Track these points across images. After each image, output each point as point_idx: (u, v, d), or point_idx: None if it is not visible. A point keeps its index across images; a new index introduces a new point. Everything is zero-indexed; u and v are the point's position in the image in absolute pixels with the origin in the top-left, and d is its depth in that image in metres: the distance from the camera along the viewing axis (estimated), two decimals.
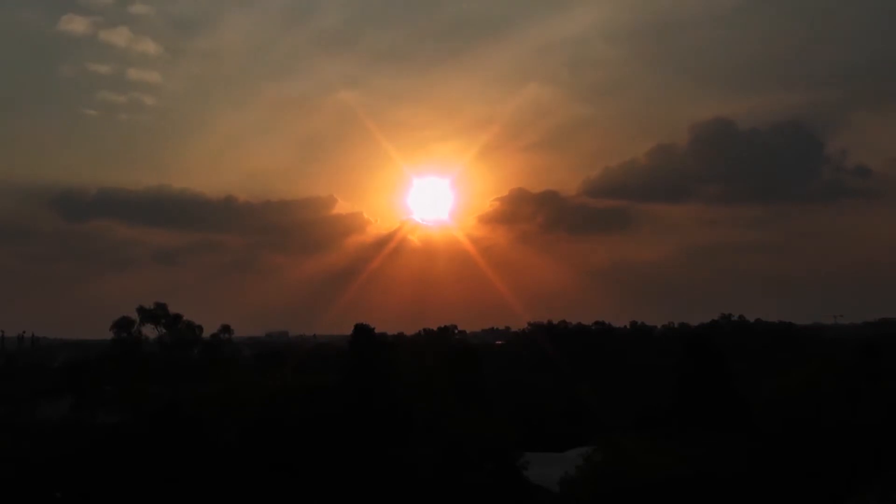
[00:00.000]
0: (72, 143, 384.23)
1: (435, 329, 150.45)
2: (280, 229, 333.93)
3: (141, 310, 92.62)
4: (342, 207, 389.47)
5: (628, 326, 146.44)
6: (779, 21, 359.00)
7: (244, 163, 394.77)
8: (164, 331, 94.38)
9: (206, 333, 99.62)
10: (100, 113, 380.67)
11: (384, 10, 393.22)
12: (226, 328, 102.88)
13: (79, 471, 42.50)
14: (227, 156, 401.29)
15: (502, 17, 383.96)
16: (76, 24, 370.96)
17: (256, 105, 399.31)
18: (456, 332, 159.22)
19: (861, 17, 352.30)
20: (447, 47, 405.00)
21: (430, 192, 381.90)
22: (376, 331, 57.18)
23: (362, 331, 52.74)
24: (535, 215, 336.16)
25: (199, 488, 41.00)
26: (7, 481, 41.99)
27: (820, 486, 38.12)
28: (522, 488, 42.71)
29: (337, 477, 42.28)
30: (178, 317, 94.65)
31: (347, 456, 42.72)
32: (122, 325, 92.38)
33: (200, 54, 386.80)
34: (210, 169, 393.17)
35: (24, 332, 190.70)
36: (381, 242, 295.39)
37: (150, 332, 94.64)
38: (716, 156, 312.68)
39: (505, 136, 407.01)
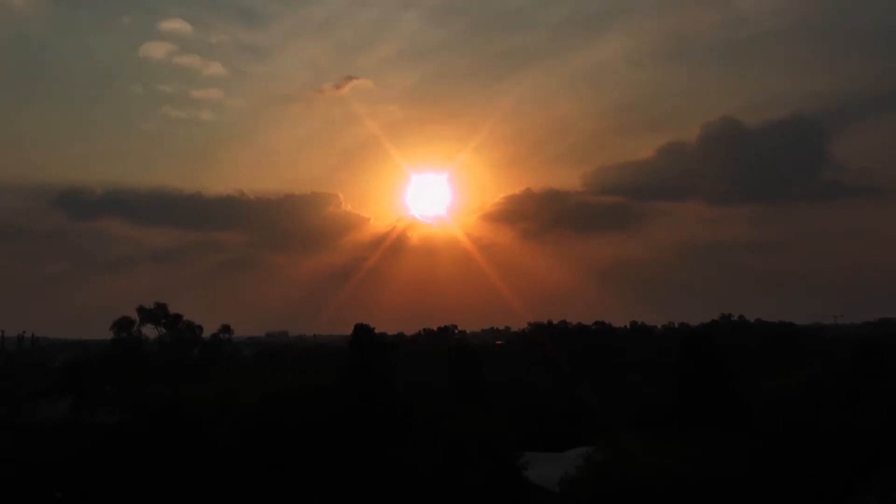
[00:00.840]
0: (91, 144, 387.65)
1: (435, 329, 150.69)
2: (280, 228, 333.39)
3: (141, 310, 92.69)
4: (342, 205, 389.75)
5: (628, 326, 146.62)
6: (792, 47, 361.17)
7: (246, 161, 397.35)
8: (164, 331, 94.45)
9: (206, 333, 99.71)
10: (158, 126, 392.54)
11: (427, 41, 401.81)
12: (226, 328, 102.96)
13: (79, 471, 42.48)
14: (232, 156, 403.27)
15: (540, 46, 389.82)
16: (154, 51, 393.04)
17: (280, 111, 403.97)
18: (456, 332, 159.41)
19: (864, 24, 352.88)
20: (482, 75, 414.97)
21: (430, 190, 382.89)
22: (376, 331, 57.26)
23: (362, 331, 52.79)
24: (536, 214, 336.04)
25: (199, 488, 41.00)
26: (7, 481, 41.99)
27: (820, 486, 38.11)
28: (522, 488, 42.70)
29: (337, 477, 42.29)
30: (178, 317, 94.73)
31: (347, 456, 42.72)
32: (122, 325, 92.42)
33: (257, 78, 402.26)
34: (212, 169, 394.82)
35: (24, 332, 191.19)
36: (382, 241, 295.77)
37: (150, 332, 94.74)
38: (718, 155, 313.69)
39: (508, 133, 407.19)
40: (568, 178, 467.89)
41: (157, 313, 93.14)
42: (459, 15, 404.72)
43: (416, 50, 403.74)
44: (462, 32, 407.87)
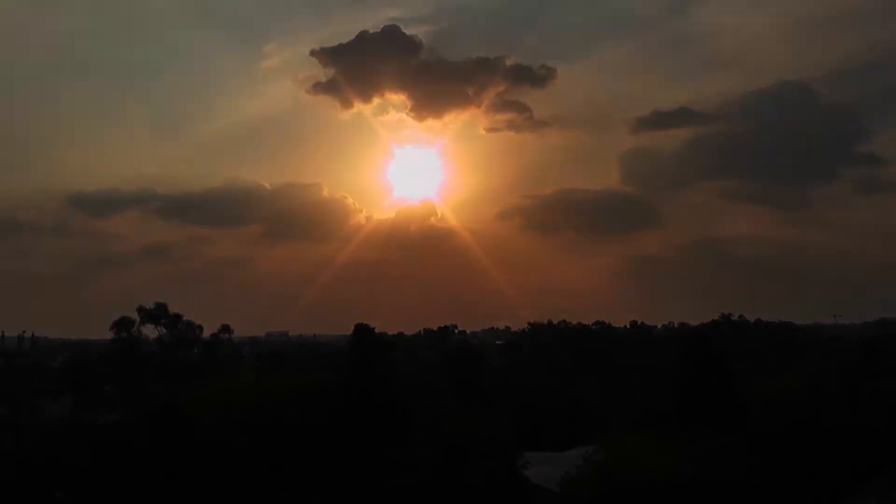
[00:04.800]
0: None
1: (435, 329, 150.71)
2: (277, 222, 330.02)
3: (141, 310, 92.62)
4: (341, 198, 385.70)
5: (628, 326, 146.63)
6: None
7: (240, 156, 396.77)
8: (164, 331, 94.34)
9: (206, 333, 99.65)
10: None
11: None
12: (226, 328, 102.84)
13: (79, 471, 42.48)
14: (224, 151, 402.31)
15: None
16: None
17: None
18: (456, 332, 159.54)
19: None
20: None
21: (430, 185, 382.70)
22: (377, 330, 57.22)
23: (362, 330, 52.76)
24: (538, 212, 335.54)
25: (198, 488, 41.00)
26: (7, 481, 41.98)
27: (820, 486, 38.11)
28: (522, 488, 42.68)
29: (337, 477, 42.28)
30: (178, 317, 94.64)
31: (347, 456, 42.72)
32: (122, 325, 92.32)
33: None
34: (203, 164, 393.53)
35: (24, 331, 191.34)
36: (382, 238, 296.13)
37: (150, 332, 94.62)
38: (718, 154, 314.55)
39: (510, 130, 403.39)
40: (568, 172, 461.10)
41: (156, 313, 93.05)
42: None
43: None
44: None
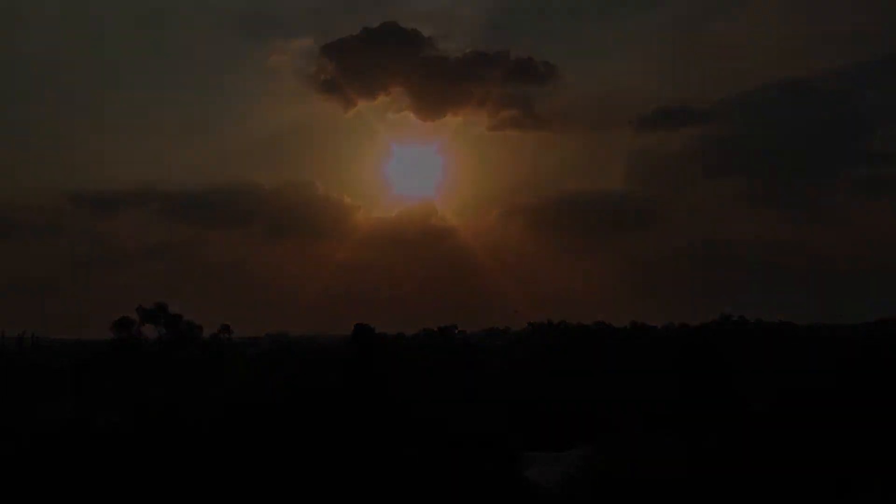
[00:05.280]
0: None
1: (435, 329, 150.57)
2: (277, 221, 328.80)
3: (141, 310, 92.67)
4: (340, 196, 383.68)
5: (628, 326, 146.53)
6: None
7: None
8: (164, 331, 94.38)
9: (206, 333, 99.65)
10: None
11: None
12: (226, 328, 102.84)
13: (79, 471, 42.47)
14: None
15: None
16: None
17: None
18: (456, 332, 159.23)
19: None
20: None
21: (430, 184, 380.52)
22: (376, 330, 57.34)
23: (362, 331, 52.84)
24: (539, 211, 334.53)
25: (198, 488, 41.01)
26: (7, 481, 41.97)
27: (820, 485, 38.13)
28: (522, 488, 42.71)
29: (336, 477, 42.30)
30: (177, 317, 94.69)
31: (347, 456, 42.73)
32: (123, 325, 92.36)
33: None
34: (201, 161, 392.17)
35: (24, 331, 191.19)
36: (382, 237, 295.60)
37: (150, 332, 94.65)
38: (719, 153, 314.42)
39: (512, 127, 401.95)
40: (569, 170, 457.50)
41: (156, 313, 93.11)
42: None
43: None
44: None
